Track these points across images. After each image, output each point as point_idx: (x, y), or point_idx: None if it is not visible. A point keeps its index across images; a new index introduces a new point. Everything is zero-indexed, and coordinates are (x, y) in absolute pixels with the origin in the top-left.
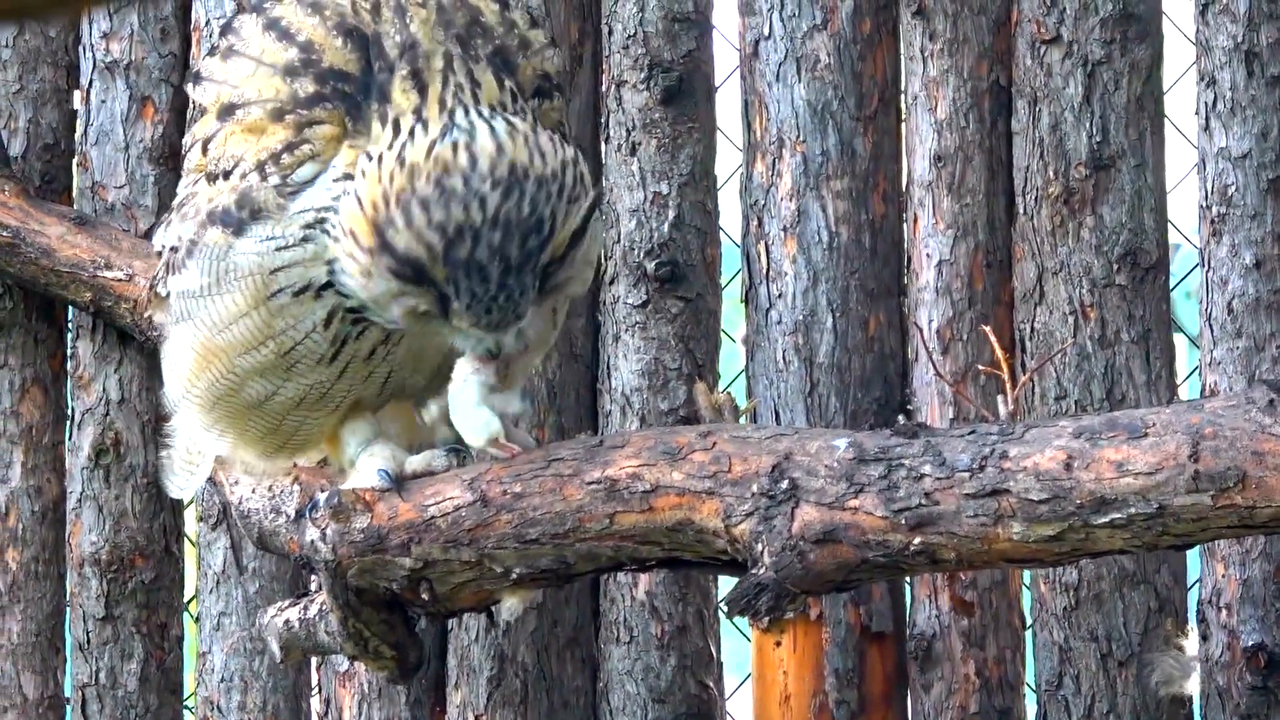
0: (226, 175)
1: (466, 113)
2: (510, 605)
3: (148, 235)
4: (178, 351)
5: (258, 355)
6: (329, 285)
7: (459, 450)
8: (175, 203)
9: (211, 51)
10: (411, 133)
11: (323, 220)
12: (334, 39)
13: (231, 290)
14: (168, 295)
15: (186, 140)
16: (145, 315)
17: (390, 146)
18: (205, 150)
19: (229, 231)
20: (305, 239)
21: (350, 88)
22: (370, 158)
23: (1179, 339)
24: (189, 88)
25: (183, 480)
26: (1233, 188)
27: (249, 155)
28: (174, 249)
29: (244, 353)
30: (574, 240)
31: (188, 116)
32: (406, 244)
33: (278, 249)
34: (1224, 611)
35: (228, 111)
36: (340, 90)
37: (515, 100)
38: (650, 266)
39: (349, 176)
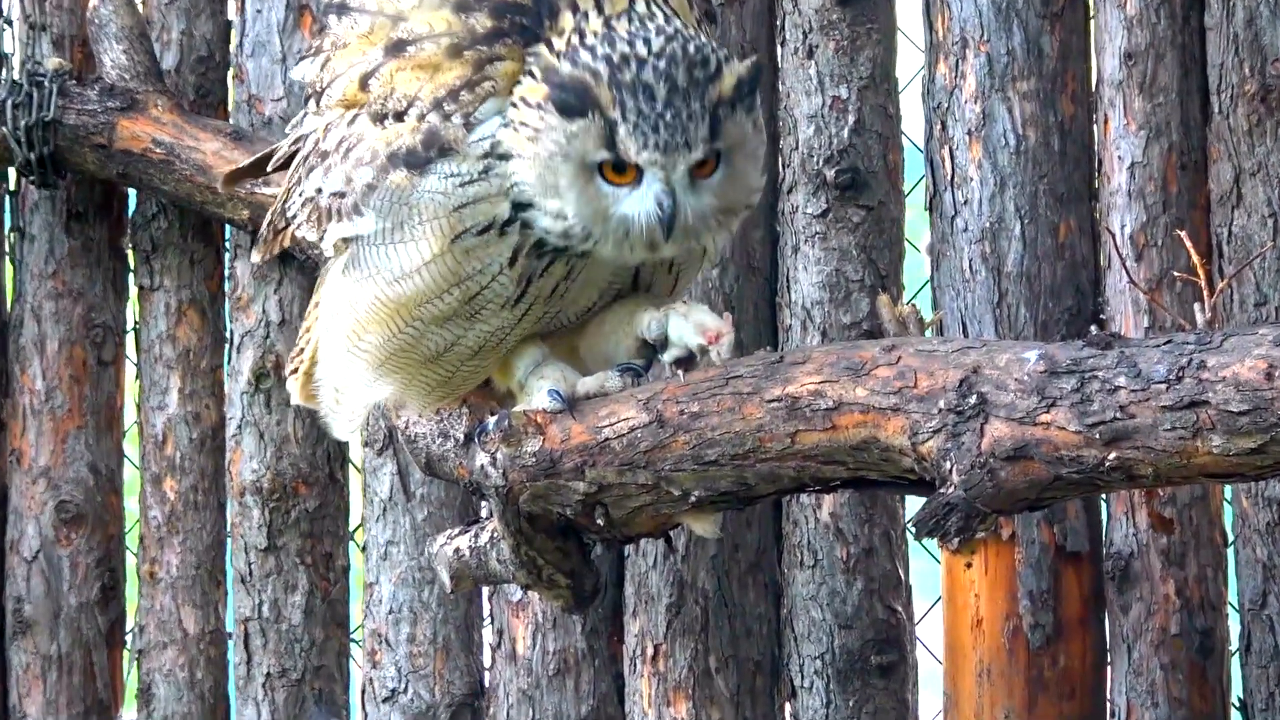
0: (399, 116)
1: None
2: (705, 527)
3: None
4: (344, 304)
5: (441, 303)
6: (512, 221)
7: (633, 369)
8: (329, 142)
9: None
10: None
11: (498, 143)
12: None
13: (415, 235)
14: (320, 239)
15: (317, 71)
16: (263, 258)
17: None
18: (365, 86)
19: (414, 173)
20: (486, 170)
21: (527, 20)
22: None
23: None
24: (330, 19)
25: (344, 421)
26: None
27: (424, 94)
28: (339, 194)
29: (426, 301)
30: (743, 91)
31: (316, 44)
32: (571, 73)
33: (461, 184)
34: None
35: (397, 48)
36: (518, 24)
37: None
38: (830, 174)
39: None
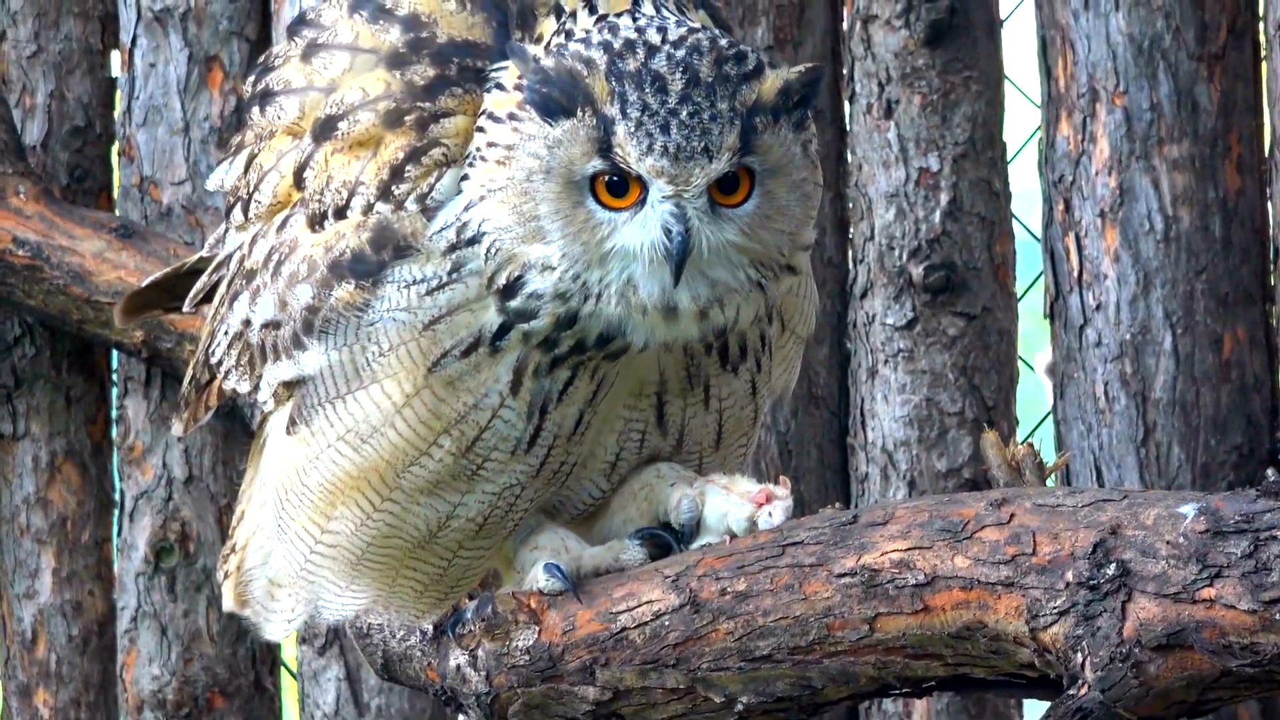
0: (340, 212)
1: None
2: None
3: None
4: (293, 478)
5: (431, 462)
6: (506, 330)
7: (657, 537)
8: (256, 257)
9: (270, 66)
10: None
11: (465, 226)
12: (445, 2)
13: (378, 373)
14: (255, 389)
15: (240, 173)
16: (188, 429)
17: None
18: (300, 181)
19: (366, 284)
20: (456, 267)
21: (482, 62)
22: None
23: None
24: (252, 114)
25: (280, 620)
26: None
27: (367, 178)
28: (273, 324)
29: (410, 464)
30: (790, 100)
31: (234, 142)
32: (557, 65)
33: (428, 292)
34: None
35: (327, 128)
36: (469, 67)
37: None
38: (917, 272)
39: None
